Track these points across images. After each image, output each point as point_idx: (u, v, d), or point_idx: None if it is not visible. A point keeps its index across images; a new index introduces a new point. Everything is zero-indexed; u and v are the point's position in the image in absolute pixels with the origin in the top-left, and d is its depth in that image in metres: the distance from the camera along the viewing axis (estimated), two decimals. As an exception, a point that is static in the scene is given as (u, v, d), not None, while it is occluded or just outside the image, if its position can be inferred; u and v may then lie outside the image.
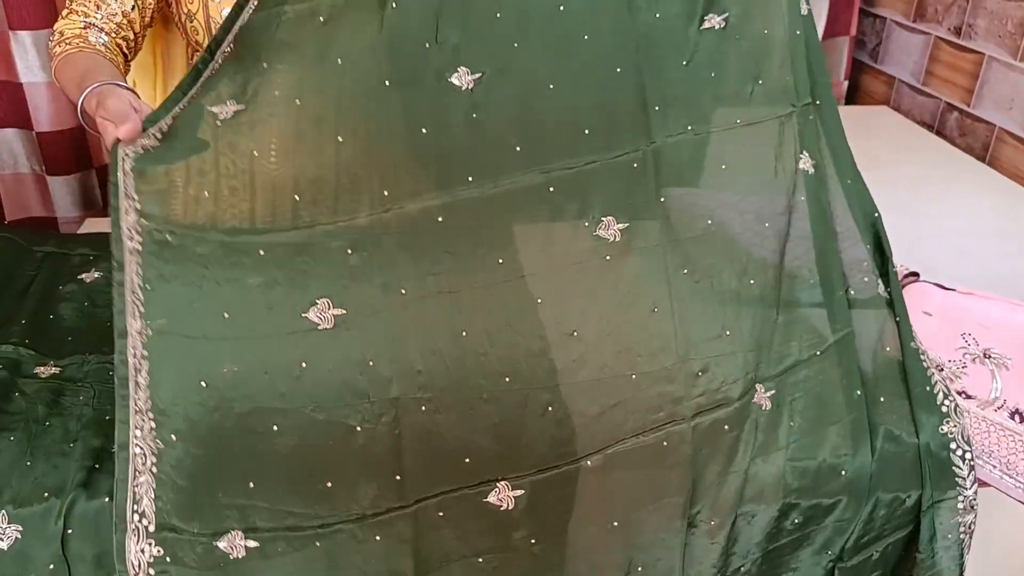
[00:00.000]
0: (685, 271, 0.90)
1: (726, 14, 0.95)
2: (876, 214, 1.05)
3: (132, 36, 1.17)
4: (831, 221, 1.00)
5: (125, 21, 1.15)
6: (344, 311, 0.82)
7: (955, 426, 0.90)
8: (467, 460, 0.82)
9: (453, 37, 0.89)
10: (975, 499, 0.91)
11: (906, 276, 1.19)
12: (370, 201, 0.85)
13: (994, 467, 0.94)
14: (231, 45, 0.84)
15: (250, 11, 0.85)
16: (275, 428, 0.80)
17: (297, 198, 0.84)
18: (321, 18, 0.86)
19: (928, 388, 0.93)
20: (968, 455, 0.90)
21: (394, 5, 0.87)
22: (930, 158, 1.77)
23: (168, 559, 0.78)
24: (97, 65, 1.04)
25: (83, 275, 1.16)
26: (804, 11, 1.01)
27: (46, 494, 0.81)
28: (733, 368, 0.89)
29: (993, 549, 1.00)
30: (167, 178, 0.83)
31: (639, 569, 0.88)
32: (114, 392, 0.93)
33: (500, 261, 0.86)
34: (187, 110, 0.84)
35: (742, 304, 0.91)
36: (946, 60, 1.91)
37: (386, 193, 0.85)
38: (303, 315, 0.82)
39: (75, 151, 2.05)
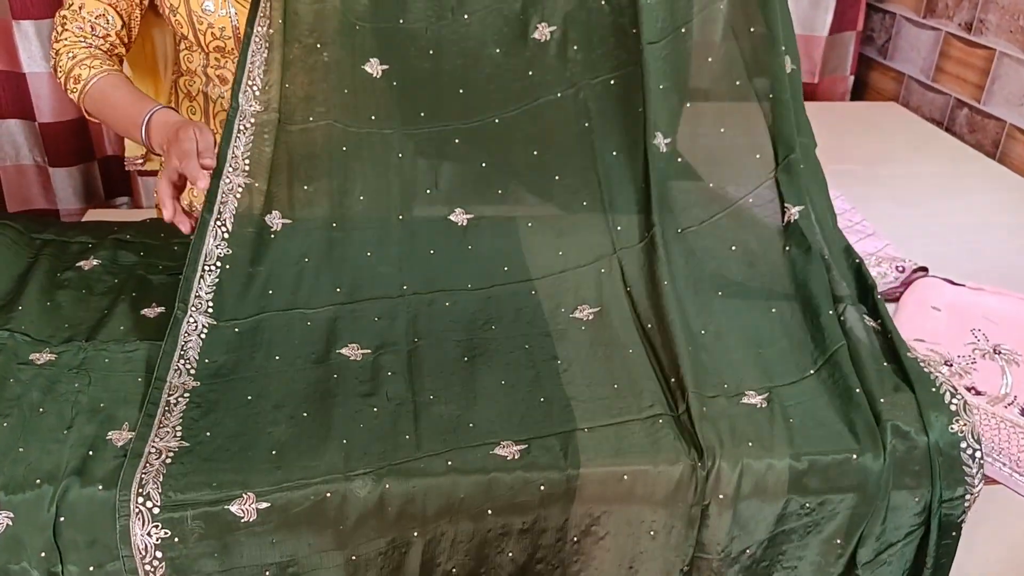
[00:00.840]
0: (650, 325, 1.02)
1: (669, 139, 1.09)
2: (858, 260, 1.10)
3: (124, 51, 1.21)
4: (817, 253, 1.05)
5: (117, 40, 1.19)
6: (370, 351, 0.99)
7: (965, 424, 0.88)
8: (471, 425, 0.89)
9: (448, 185, 1.11)
10: (978, 496, 0.89)
11: (915, 271, 1.18)
12: (392, 290, 1.05)
13: (1004, 465, 0.92)
14: (271, 147, 1.06)
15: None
16: (304, 415, 0.90)
17: (338, 290, 1.05)
18: (344, 147, 1.09)
19: (934, 389, 0.91)
20: (978, 453, 0.88)
21: (400, 155, 1.10)
22: (940, 155, 1.76)
23: (176, 539, 0.79)
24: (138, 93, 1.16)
25: (81, 262, 1.15)
26: (788, 69, 1.07)
27: (38, 480, 0.80)
28: (715, 385, 0.95)
29: (1002, 548, 0.99)
30: (235, 286, 1.02)
31: (651, 534, 0.88)
32: (108, 379, 0.94)
33: (494, 328, 1.03)
34: (244, 224, 1.04)
35: (717, 346, 0.99)
36: (956, 56, 1.89)
37: (405, 287, 1.06)
38: (337, 351, 0.98)
39: (77, 142, 2.04)
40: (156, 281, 1.12)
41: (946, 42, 1.92)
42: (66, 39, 1.17)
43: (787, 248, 1.07)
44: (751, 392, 0.93)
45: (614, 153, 1.11)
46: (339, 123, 1.08)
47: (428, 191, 1.11)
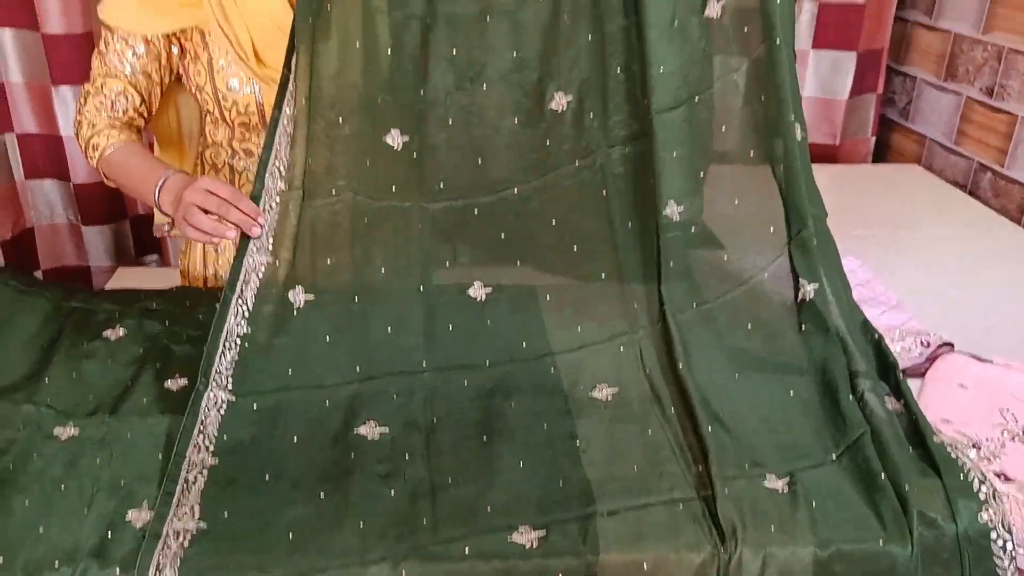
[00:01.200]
0: (672, 409, 1.00)
1: (682, 207, 1.07)
2: (877, 336, 1.08)
3: (143, 123, 1.26)
4: (834, 332, 1.04)
5: (135, 114, 1.24)
6: (387, 429, 0.98)
7: (995, 513, 0.86)
8: (489, 508, 0.88)
9: (468, 258, 1.13)
10: None
11: (940, 346, 1.16)
12: (411, 367, 1.05)
13: (1037, 555, 0.90)
14: (297, 228, 1.07)
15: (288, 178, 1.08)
16: (321, 495, 0.90)
17: (358, 369, 1.04)
18: (366, 219, 1.09)
19: (962, 476, 0.89)
20: (1009, 544, 0.85)
21: (419, 225, 1.11)
22: (963, 219, 1.74)
23: None
24: (155, 160, 1.21)
25: (107, 331, 1.17)
26: (799, 137, 1.06)
27: (57, 563, 0.80)
28: (736, 466, 0.93)
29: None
30: (255, 363, 1.02)
31: None
32: (129, 454, 0.95)
33: (512, 404, 1.02)
34: (266, 301, 1.05)
35: (737, 428, 0.98)
36: (978, 120, 1.89)
37: (424, 364, 1.05)
38: (355, 430, 0.98)
39: (110, 202, 2.10)
40: (180, 352, 1.13)
41: (967, 106, 1.92)
42: (88, 111, 1.22)
43: (803, 327, 1.06)
44: (772, 475, 0.92)
45: (629, 224, 1.11)
46: (360, 195, 1.10)
47: (448, 263, 1.12)
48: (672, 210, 1.07)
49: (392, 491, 0.90)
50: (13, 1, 1.85)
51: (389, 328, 1.08)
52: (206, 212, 1.03)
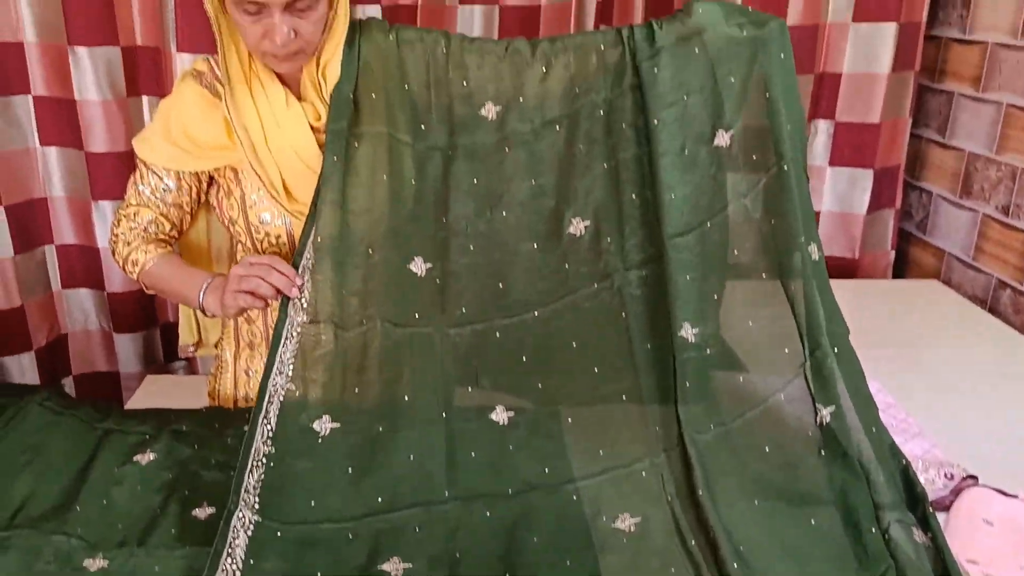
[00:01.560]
0: (694, 542, 1.00)
1: (697, 330, 1.09)
2: (904, 462, 1.08)
3: (172, 244, 1.31)
4: (854, 458, 1.04)
5: (165, 237, 1.30)
6: (411, 565, 0.99)
7: (1025, 667, 0.85)
8: None
9: (489, 383, 1.14)
10: None
11: (964, 480, 1.15)
12: (434, 496, 1.06)
13: None
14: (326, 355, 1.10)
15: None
16: None
17: (380, 500, 1.05)
18: (391, 346, 1.12)
19: None
20: None
21: (442, 350, 1.14)
22: (984, 338, 1.74)
23: None
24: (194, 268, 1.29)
25: (138, 456, 1.19)
26: (815, 257, 1.09)
27: None
28: None
29: None
30: (279, 486, 1.04)
31: None
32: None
33: (535, 540, 1.02)
34: (289, 425, 1.07)
35: (758, 564, 0.97)
36: (995, 238, 1.91)
37: (447, 493, 1.06)
38: (378, 567, 0.99)
39: (142, 310, 2.15)
40: (208, 478, 1.15)
41: (984, 223, 1.95)
42: (122, 232, 1.29)
43: (822, 453, 1.05)
44: None
45: (648, 345, 1.13)
46: (387, 322, 1.13)
47: (469, 387, 1.14)
48: (687, 332, 1.09)
49: None
50: (60, 121, 1.95)
51: (412, 456, 1.09)
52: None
